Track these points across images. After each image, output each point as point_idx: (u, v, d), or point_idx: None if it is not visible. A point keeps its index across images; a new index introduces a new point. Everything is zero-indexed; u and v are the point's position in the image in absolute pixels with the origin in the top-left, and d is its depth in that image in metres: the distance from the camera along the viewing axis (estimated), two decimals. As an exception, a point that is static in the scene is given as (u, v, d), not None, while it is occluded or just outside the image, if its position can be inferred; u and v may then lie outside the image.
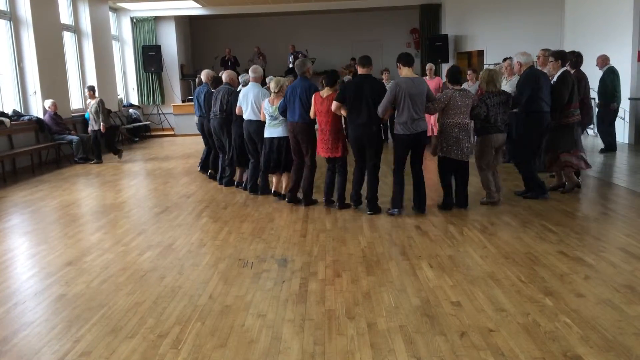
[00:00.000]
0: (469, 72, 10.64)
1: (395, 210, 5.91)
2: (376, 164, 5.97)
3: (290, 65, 15.91)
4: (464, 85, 7.89)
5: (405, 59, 5.77)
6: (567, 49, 12.91)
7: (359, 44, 17.10)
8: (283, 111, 6.34)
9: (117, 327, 3.45)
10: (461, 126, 5.83)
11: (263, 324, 3.42)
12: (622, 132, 11.13)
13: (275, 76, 7.48)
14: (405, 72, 5.76)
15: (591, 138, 11.96)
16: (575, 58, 6.87)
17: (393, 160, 5.92)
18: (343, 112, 5.90)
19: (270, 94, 6.62)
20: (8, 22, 10.53)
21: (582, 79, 6.83)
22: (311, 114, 6.12)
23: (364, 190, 6.16)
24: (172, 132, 15.96)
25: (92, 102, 10.95)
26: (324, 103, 6.00)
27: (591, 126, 12.04)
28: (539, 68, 6.85)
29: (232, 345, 3.17)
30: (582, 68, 10.28)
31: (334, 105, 5.85)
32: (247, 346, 3.15)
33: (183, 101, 16.60)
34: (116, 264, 4.68)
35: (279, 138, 6.57)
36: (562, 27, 13.81)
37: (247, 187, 7.43)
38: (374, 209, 6.01)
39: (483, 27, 15.17)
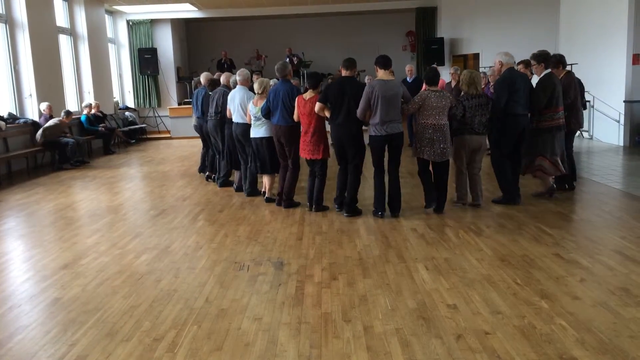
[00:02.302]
0: (451, 70, 10.82)
1: (379, 212, 5.93)
2: (357, 165, 6.01)
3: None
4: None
5: (382, 62, 5.81)
6: (563, 51, 13.01)
7: (355, 47, 17.12)
8: (266, 113, 6.43)
9: (112, 330, 3.44)
10: (436, 127, 5.82)
11: (259, 327, 3.42)
12: (617, 134, 11.19)
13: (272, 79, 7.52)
14: (381, 74, 5.81)
15: (586, 140, 12.01)
16: (558, 60, 6.51)
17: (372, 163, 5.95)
18: (326, 113, 5.95)
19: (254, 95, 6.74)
20: (4, 24, 10.50)
21: (572, 82, 6.54)
22: (295, 116, 6.20)
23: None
24: (169, 135, 15.93)
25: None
26: (306, 105, 6.07)
27: (585, 129, 12.12)
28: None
29: (228, 348, 3.16)
30: (578, 71, 10.31)
31: (317, 106, 5.92)
32: (243, 349, 3.14)
33: (179, 104, 16.60)
34: (112, 267, 4.67)
35: (261, 138, 6.67)
36: (557, 30, 13.87)
37: (238, 188, 7.59)
38: (352, 211, 6.06)
39: (479, 30, 15.23)
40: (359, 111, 5.74)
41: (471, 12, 15.37)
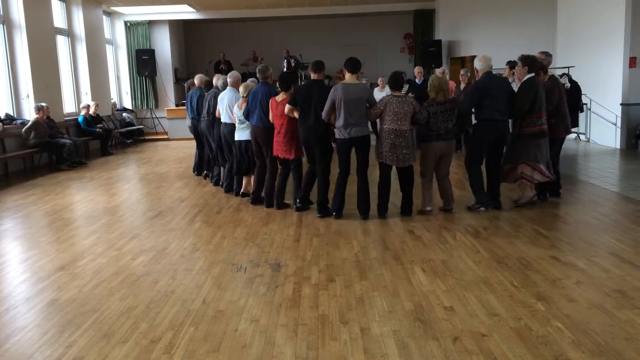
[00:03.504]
0: (462, 71, 10.81)
1: (335, 214, 6.01)
2: (325, 168, 6.12)
3: (284, 69, 15.94)
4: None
5: (350, 65, 5.85)
6: (560, 54, 13.09)
7: (352, 49, 17.07)
8: (247, 115, 6.57)
9: (109, 332, 3.44)
10: (398, 132, 5.81)
11: (256, 328, 3.42)
12: (614, 137, 11.22)
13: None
14: (347, 77, 5.87)
15: (583, 143, 12.05)
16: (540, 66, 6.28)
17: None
18: (295, 115, 6.08)
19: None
20: (1, 25, 10.49)
21: (554, 87, 6.29)
22: (270, 117, 6.34)
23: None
24: (166, 136, 15.92)
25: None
26: (278, 107, 6.23)
27: (582, 132, 12.16)
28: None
29: (225, 350, 3.16)
30: (575, 74, 10.34)
31: (287, 108, 6.06)
32: (240, 351, 3.14)
33: (177, 105, 16.56)
34: (109, 269, 4.66)
35: (246, 141, 6.83)
36: (555, 32, 13.92)
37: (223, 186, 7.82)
38: (323, 212, 6.15)
39: (476, 32, 15.24)
40: (323, 113, 5.86)
41: (469, 14, 15.39)
